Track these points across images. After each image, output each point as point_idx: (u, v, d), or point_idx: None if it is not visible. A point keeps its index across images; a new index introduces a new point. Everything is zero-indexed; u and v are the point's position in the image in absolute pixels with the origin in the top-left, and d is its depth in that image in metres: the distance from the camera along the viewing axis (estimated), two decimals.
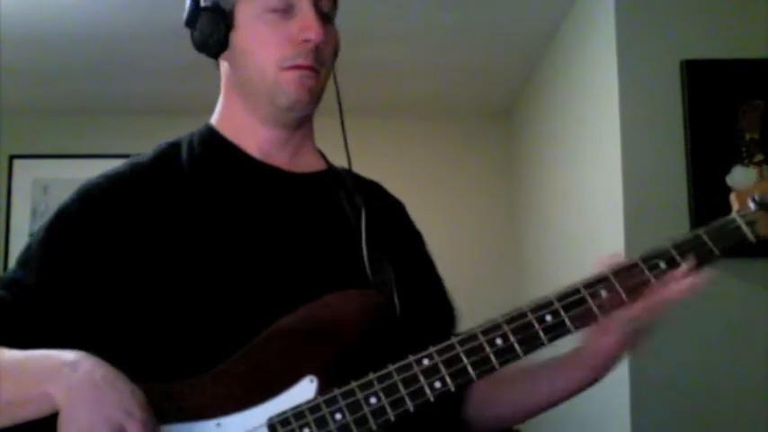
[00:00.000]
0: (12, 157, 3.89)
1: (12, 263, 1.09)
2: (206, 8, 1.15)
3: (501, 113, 4.00)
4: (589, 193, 2.69)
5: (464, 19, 2.89)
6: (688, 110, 2.28)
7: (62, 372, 0.90)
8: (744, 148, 2.27)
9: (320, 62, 1.14)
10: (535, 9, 2.84)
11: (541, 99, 3.39)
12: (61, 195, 1.15)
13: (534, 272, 3.54)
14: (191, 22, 1.18)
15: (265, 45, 1.13)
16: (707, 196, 2.22)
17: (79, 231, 1.07)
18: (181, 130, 1.23)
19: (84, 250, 1.06)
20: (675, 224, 2.24)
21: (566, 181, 3.02)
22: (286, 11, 1.13)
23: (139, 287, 1.05)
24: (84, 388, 0.88)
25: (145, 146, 1.21)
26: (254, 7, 1.13)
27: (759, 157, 2.26)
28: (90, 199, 1.10)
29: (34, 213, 3.84)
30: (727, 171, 2.25)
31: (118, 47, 3.12)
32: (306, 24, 1.12)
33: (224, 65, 1.19)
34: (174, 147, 1.18)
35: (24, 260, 1.07)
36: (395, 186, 1.37)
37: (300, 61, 1.12)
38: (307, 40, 1.12)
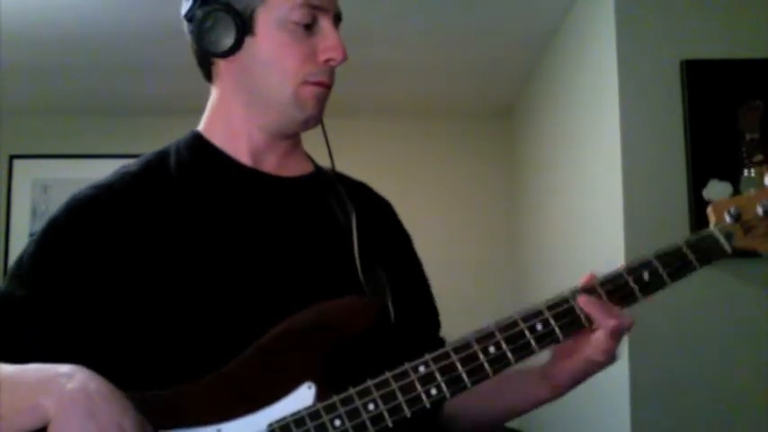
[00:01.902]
0: (12, 157, 3.90)
1: (12, 263, 1.09)
2: (218, 7, 1.12)
3: (501, 113, 4.00)
4: (589, 192, 2.69)
5: (464, 19, 2.89)
6: (688, 110, 2.28)
7: (55, 383, 0.89)
8: (744, 148, 2.27)
9: (333, 80, 1.16)
10: (535, 9, 2.84)
11: (541, 99, 3.39)
12: (61, 195, 1.15)
13: (534, 271, 3.55)
14: (197, 17, 1.14)
15: (290, 57, 1.12)
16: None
17: (69, 242, 1.07)
18: (181, 130, 1.23)
19: (75, 261, 1.05)
20: (675, 224, 2.24)
21: (566, 180, 3.02)
22: (308, 25, 1.12)
23: (132, 296, 1.05)
24: (77, 399, 0.88)
25: (145, 146, 1.21)
26: (278, 17, 1.12)
27: (759, 158, 2.26)
28: (79, 210, 1.09)
29: (34, 213, 3.84)
30: (728, 171, 2.25)
31: (118, 47, 3.12)
32: (332, 44, 1.13)
33: (228, 67, 1.16)
34: (162, 155, 1.17)
35: (15, 273, 1.07)
36: (394, 186, 1.37)
37: (324, 79, 1.14)
38: (329, 60, 1.13)
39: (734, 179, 2.24)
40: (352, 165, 1.32)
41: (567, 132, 2.99)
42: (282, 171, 1.19)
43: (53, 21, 2.89)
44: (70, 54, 3.19)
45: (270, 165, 1.18)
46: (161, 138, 1.21)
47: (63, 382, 0.89)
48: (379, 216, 1.26)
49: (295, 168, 1.21)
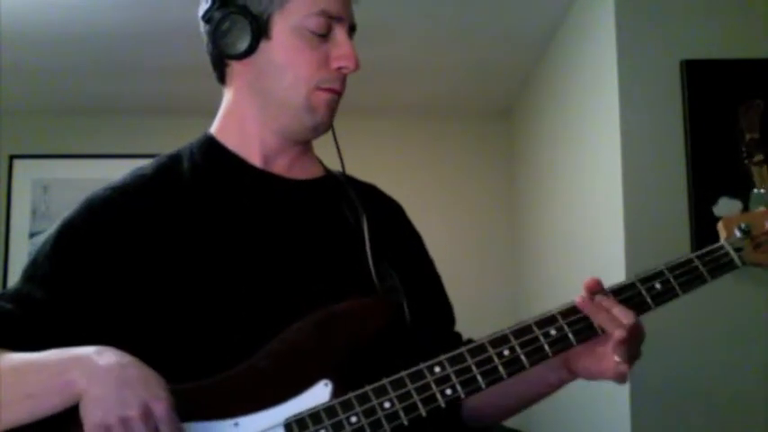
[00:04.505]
0: (12, 157, 3.89)
1: (11, 263, 1.10)
2: (236, 10, 1.14)
3: (501, 113, 4.00)
4: (589, 192, 2.70)
5: (464, 19, 2.89)
6: (688, 110, 2.29)
7: (85, 359, 0.93)
8: (744, 148, 2.27)
9: (344, 88, 1.17)
10: (535, 9, 2.85)
11: (541, 99, 3.39)
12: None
13: (534, 271, 3.55)
14: (214, 19, 1.15)
15: (304, 62, 1.14)
16: (706, 196, 2.23)
17: (84, 244, 1.08)
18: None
19: (91, 262, 1.07)
20: (675, 224, 2.24)
21: (566, 180, 3.02)
22: (326, 32, 1.14)
23: (148, 296, 1.06)
24: (113, 369, 0.91)
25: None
26: (294, 23, 1.13)
27: (759, 157, 2.26)
28: (94, 211, 1.11)
29: (34, 213, 3.84)
30: (728, 171, 2.25)
31: (118, 47, 3.12)
32: (345, 53, 1.14)
33: (243, 70, 1.18)
34: (175, 158, 1.19)
35: (31, 274, 1.08)
36: (395, 186, 1.37)
37: (336, 86, 1.15)
38: (341, 68, 1.14)
39: (734, 179, 2.24)
40: (350, 164, 1.32)
41: (567, 132, 2.99)
42: (293, 173, 1.21)
43: (53, 21, 2.89)
44: (70, 54, 3.19)
45: (281, 167, 1.20)
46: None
47: (94, 358, 0.93)
48: (389, 218, 1.28)
49: (306, 171, 1.23)
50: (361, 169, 1.31)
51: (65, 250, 1.08)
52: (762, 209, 1.18)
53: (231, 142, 1.19)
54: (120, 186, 1.13)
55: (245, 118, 1.19)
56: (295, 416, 0.98)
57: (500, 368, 1.04)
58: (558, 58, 3.09)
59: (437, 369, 1.02)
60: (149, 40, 3.04)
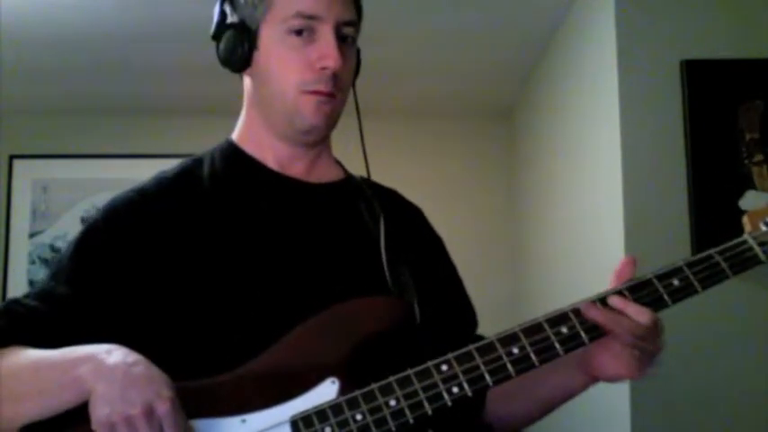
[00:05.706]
0: (12, 157, 3.89)
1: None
2: (232, 25, 1.18)
3: (501, 113, 4.00)
4: (589, 192, 2.70)
5: (464, 19, 2.89)
6: (688, 110, 2.29)
7: (94, 357, 0.96)
8: (744, 148, 2.27)
9: (338, 87, 1.17)
10: (535, 9, 2.85)
11: (541, 99, 3.39)
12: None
13: (534, 271, 3.55)
14: (217, 36, 1.21)
15: (286, 68, 1.15)
16: (707, 196, 2.23)
17: (105, 244, 1.12)
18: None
19: (112, 262, 1.11)
20: (675, 224, 2.24)
21: (566, 181, 3.02)
22: (308, 34, 1.15)
23: (165, 294, 1.09)
24: (118, 368, 0.94)
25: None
26: (278, 29, 1.16)
27: (759, 157, 2.27)
28: (116, 213, 1.15)
29: (34, 213, 3.84)
30: (727, 170, 2.25)
31: (118, 47, 3.12)
32: (325, 52, 1.14)
33: (246, 81, 1.23)
34: (197, 162, 1.22)
35: (56, 273, 1.12)
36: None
37: (320, 87, 1.15)
38: (324, 68, 1.14)
39: (734, 179, 2.24)
40: (351, 164, 1.33)
41: (568, 133, 2.99)
42: (311, 177, 1.22)
43: (53, 21, 2.89)
44: (70, 54, 3.19)
45: (298, 171, 1.22)
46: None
47: (103, 356, 0.96)
48: (408, 221, 1.29)
49: (324, 175, 1.24)
50: (361, 169, 1.31)
51: (87, 250, 1.13)
52: None
53: (249, 148, 1.23)
54: (141, 189, 1.17)
55: (254, 125, 1.22)
56: (301, 413, 0.99)
57: (508, 366, 1.03)
58: (557, 58, 3.09)
59: (444, 367, 1.03)
60: (149, 41, 3.04)
